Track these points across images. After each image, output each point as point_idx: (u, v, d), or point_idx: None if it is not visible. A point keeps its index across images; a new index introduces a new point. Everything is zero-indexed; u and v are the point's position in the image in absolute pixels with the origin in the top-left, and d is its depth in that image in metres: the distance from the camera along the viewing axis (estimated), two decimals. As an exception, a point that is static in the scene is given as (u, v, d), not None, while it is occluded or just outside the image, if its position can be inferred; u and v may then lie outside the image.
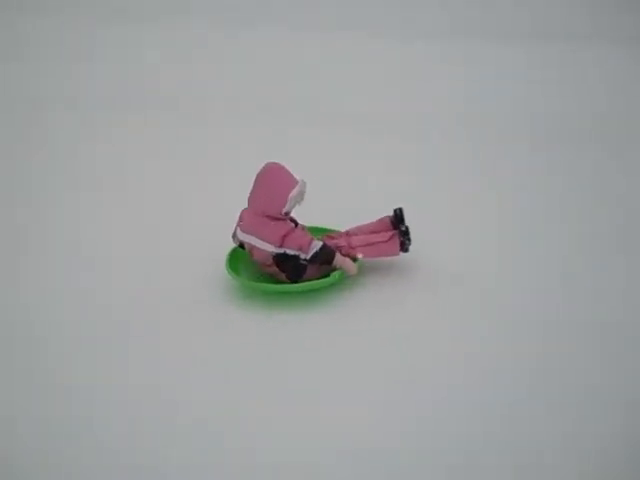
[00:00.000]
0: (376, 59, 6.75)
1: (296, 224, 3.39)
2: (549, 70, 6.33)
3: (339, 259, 3.31)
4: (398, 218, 3.49)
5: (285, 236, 3.27)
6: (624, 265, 3.54)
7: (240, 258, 3.47)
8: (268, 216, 3.29)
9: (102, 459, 2.51)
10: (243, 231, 3.35)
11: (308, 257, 3.28)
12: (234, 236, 3.44)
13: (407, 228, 3.43)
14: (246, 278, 3.43)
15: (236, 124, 5.29)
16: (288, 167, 3.33)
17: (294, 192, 3.26)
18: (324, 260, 3.29)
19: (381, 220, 3.55)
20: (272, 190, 3.28)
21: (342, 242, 3.43)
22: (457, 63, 6.66)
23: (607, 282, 3.41)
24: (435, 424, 2.61)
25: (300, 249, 3.27)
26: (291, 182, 3.29)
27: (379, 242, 3.42)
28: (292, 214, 3.38)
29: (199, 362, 2.97)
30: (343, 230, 3.58)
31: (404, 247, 3.42)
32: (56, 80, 6.05)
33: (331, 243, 3.40)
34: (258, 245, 3.30)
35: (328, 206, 3.81)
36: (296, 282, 3.32)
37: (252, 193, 3.34)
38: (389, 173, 4.56)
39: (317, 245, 3.28)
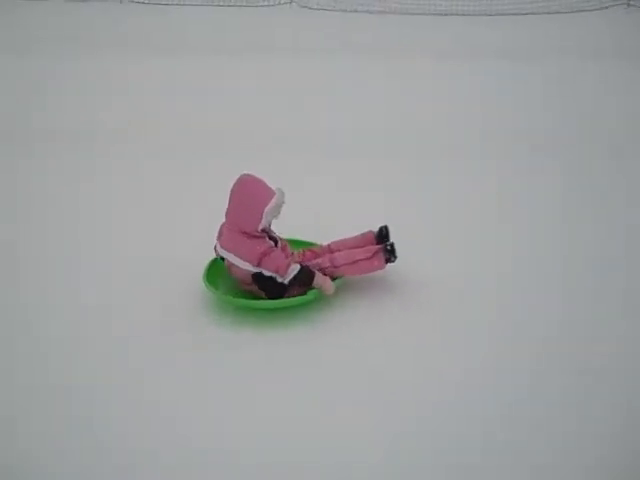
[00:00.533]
0: (347, 76, 6.94)
1: (275, 242, 3.27)
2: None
3: (319, 279, 3.21)
4: (383, 235, 3.43)
5: (262, 256, 3.15)
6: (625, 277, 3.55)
7: (220, 269, 3.38)
8: (245, 233, 3.17)
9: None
10: (222, 247, 3.25)
11: (285, 281, 3.19)
12: (215, 249, 3.34)
13: (392, 245, 3.34)
14: (224, 291, 3.33)
15: (217, 146, 5.33)
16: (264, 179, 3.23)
17: (269, 206, 3.13)
18: (303, 283, 3.20)
19: (364, 235, 3.49)
20: (246, 206, 3.15)
21: (325, 262, 3.33)
22: (442, 78, 6.84)
23: (607, 295, 3.39)
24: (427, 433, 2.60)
25: (277, 272, 3.17)
26: (266, 196, 3.15)
27: (363, 259, 3.33)
28: (272, 226, 3.28)
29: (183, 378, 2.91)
30: (324, 243, 3.49)
31: (389, 262, 3.34)
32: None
33: (314, 263, 3.32)
34: (236, 263, 3.20)
35: (307, 220, 3.79)
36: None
37: (228, 208, 3.22)
38: (369, 188, 4.57)
39: (295, 269, 3.18)
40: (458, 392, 2.77)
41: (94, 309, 3.35)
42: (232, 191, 3.21)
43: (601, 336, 3.09)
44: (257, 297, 3.27)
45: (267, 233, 3.25)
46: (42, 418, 2.68)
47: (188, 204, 4.39)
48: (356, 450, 2.51)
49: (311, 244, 3.56)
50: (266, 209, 3.14)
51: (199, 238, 3.53)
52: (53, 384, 2.86)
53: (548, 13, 9.98)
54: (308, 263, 3.32)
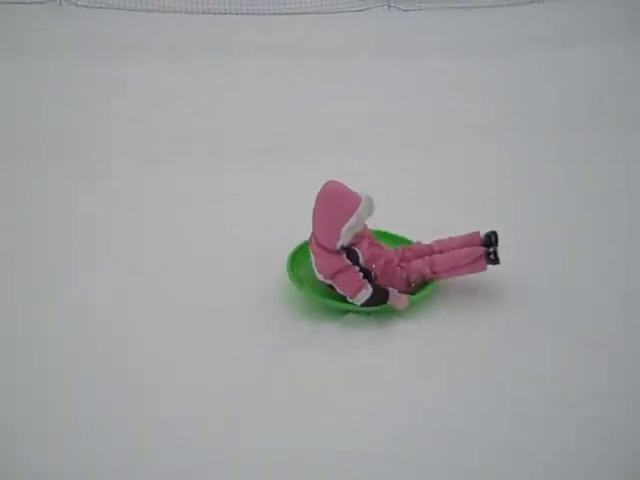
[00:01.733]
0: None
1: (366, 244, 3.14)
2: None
3: (393, 299, 3.07)
4: (491, 241, 3.25)
5: (336, 272, 3.06)
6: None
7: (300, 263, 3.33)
8: (324, 247, 3.09)
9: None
10: (310, 249, 3.21)
11: (358, 304, 3.07)
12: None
13: (496, 252, 3.20)
14: (308, 286, 3.24)
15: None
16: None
17: (350, 223, 2.99)
18: (376, 303, 3.07)
19: (470, 236, 3.32)
20: (326, 222, 3.04)
21: (425, 268, 3.19)
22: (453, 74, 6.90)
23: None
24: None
25: (346, 293, 3.06)
26: (347, 211, 2.99)
27: (464, 265, 3.20)
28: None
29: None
30: (426, 242, 3.36)
31: (492, 264, 3.22)
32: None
33: (412, 266, 3.20)
34: (314, 267, 3.17)
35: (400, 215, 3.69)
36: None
37: (313, 216, 3.12)
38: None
39: (365, 295, 3.04)
40: (457, 394, 2.76)
41: (98, 308, 3.36)
42: (316, 199, 3.09)
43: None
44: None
45: (349, 247, 3.11)
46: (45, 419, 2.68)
47: (189, 208, 4.39)
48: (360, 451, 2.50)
49: (404, 239, 3.47)
50: (344, 229, 3.01)
51: (205, 252, 3.59)
52: (54, 385, 2.86)
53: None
54: (406, 266, 3.23)
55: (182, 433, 2.60)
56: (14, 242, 4.02)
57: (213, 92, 6.54)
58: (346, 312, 3.16)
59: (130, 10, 10.24)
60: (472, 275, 3.31)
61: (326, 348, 3.02)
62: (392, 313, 3.16)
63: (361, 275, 3.08)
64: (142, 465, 2.47)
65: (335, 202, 3.04)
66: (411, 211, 3.97)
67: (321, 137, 5.55)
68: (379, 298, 3.07)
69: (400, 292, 3.16)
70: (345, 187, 3.09)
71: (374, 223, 3.30)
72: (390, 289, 3.11)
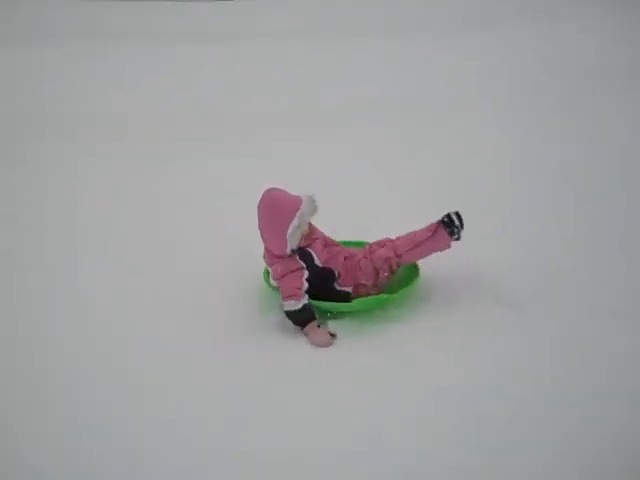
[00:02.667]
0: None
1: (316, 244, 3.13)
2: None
3: (310, 330, 2.99)
4: (449, 220, 3.14)
5: (283, 276, 3.05)
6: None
7: None
8: (278, 256, 3.08)
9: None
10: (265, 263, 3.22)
11: (283, 309, 3.05)
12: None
13: (450, 215, 3.11)
14: None
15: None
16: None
17: (292, 226, 3.00)
18: (295, 322, 3.02)
19: (430, 226, 3.20)
20: (270, 231, 3.05)
21: (389, 252, 3.15)
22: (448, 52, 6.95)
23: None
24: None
25: (283, 297, 3.03)
26: (288, 215, 3.00)
27: (424, 240, 3.12)
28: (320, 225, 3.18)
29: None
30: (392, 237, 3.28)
31: (454, 235, 3.11)
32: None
33: (377, 254, 3.17)
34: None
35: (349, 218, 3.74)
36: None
37: (259, 229, 3.12)
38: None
39: (293, 305, 2.99)
40: (457, 395, 2.75)
41: (99, 308, 3.37)
42: (257, 210, 3.09)
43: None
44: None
45: (297, 249, 3.09)
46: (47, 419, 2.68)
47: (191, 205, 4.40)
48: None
49: (363, 243, 3.41)
50: (288, 233, 3.01)
51: (205, 251, 3.60)
52: (53, 385, 2.87)
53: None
54: (370, 256, 3.19)
55: (182, 433, 2.60)
56: (14, 241, 4.03)
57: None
58: (330, 313, 3.15)
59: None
60: (466, 271, 3.31)
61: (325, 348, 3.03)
62: (385, 313, 3.16)
63: (306, 285, 3.05)
64: (142, 465, 2.46)
65: (274, 209, 3.05)
66: (391, 203, 4.06)
67: (320, 131, 5.56)
68: (300, 318, 3.01)
69: (373, 285, 3.15)
70: (283, 192, 3.10)
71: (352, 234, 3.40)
72: (315, 324, 3.01)
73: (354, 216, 3.96)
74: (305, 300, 3.02)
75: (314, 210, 3.09)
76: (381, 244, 3.29)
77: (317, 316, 3.06)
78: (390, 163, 5.01)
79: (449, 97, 6.19)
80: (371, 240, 3.39)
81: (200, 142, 5.45)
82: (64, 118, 5.92)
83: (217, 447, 2.53)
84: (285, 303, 3.04)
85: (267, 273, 3.28)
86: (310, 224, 3.16)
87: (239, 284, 3.48)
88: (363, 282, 3.18)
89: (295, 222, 3.01)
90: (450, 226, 3.13)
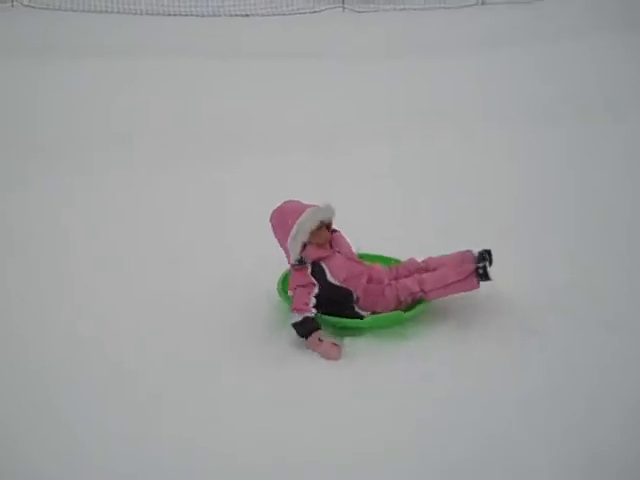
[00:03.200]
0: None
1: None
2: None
3: (311, 342, 2.98)
4: (484, 259, 3.13)
5: (296, 288, 3.06)
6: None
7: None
8: (292, 266, 3.12)
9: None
10: None
11: (290, 322, 3.04)
12: None
13: (485, 267, 3.08)
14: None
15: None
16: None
17: (292, 234, 3.02)
18: (298, 334, 3.02)
19: (463, 254, 3.21)
20: (278, 240, 3.11)
21: (415, 286, 3.10)
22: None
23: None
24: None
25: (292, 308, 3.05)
26: (287, 227, 3.03)
27: (454, 282, 3.09)
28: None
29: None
30: (419, 259, 3.27)
31: (485, 279, 3.10)
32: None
33: (402, 283, 3.13)
34: None
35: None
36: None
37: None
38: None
39: (295, 317, 3.00)
40: (457, 397, 2.78)
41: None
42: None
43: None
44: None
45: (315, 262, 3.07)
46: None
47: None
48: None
49: (397, 261, 3.40)
50: (288, 242, 3.04)
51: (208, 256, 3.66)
52: (53, 384, 2.89)
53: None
54: (395, 283, 3.15)
55: (182, 433, 2.62)
56: (12, 241, 4.00)
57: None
58: (343, 328, 3.12)
59: (84, 12, 10.20)
60: (482, 288, 3.26)
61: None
62: (401, 330, 3.11)
63: (313, 301, 3.03)
64: (142, 465, 2.48)
65: (280, 218, 3.11)
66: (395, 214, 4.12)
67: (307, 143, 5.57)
68: (301, 330, 3.01)
69: (392, 310, 3.11)
70: (296, 203, 3.13)
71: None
72: (317, 336, 2.99)
73: (374, 230, 3.92)
74: (309, 313, 3.01)
75: (316, 218, 3.06)
76: (408, 269, 3.27)
77: (323, 329, 3.05)
78: (407, 178, 5.00)
79: (468, 111, 6.21)
80: (393, 255, 3.42)
81: (209, 156, 5.44)
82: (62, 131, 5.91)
83: (217, 447, 2.55)
84: (291, 315, 3.04)
85: (283, 283, 3.27)
86: (330, 233, 3.14)
87: (240, 288, 3.51)
88: (380, 310, 3.13)
89: (294, 230, 3.02)
90: (483, 276, 3.11)
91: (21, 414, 2.73)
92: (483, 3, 11.70)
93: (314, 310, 3.02)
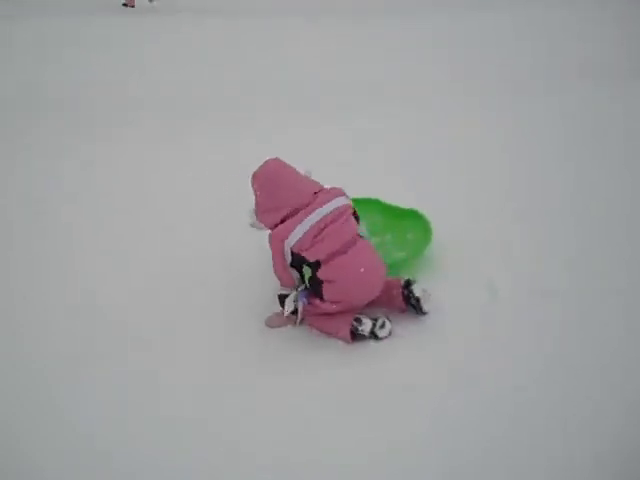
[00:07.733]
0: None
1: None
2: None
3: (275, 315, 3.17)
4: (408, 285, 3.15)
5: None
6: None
7: None
8: None
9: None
10: None
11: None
12: None
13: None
14: None
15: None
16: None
17: (259, 215, 3.08)
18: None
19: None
20: (256, 201, 3.11)
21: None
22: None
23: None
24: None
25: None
26: (271, 201, 3.02)
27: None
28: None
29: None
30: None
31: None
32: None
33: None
34: None
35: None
36: None
37: None
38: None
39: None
40: (456, 396, 2.78)
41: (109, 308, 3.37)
42: None
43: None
44: None
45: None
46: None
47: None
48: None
49: (399, 208, 3.63)
50: (260, 215, 3.09)
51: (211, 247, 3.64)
52: (53, 384, 2.89)
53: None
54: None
55: (183, 433, 2.62)
56: (11, 229, 4.02)
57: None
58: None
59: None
60: (472, 287, 3.32)
61: (329, 349, 3.06)
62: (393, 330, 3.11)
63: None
64: (142, 465, 2.49)
65: (269, 187, 3.05)
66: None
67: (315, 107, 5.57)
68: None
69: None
70: (283, 169, 3.08)
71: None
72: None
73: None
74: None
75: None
76: None
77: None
78: (391, 145, 4.98)
79: (451, 80, 6.17)
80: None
81: (201, 125, 5.41)
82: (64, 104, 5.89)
83: (217, 447, 2.56)
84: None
85: None
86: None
87: (243, 284, 3.49)
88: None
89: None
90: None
91: (23, 413, 2.75)
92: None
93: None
